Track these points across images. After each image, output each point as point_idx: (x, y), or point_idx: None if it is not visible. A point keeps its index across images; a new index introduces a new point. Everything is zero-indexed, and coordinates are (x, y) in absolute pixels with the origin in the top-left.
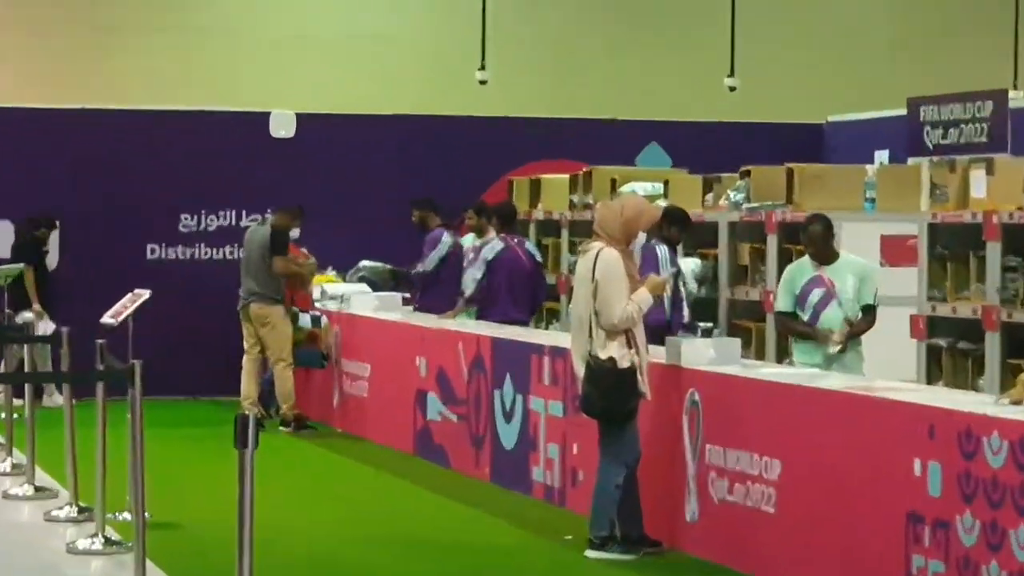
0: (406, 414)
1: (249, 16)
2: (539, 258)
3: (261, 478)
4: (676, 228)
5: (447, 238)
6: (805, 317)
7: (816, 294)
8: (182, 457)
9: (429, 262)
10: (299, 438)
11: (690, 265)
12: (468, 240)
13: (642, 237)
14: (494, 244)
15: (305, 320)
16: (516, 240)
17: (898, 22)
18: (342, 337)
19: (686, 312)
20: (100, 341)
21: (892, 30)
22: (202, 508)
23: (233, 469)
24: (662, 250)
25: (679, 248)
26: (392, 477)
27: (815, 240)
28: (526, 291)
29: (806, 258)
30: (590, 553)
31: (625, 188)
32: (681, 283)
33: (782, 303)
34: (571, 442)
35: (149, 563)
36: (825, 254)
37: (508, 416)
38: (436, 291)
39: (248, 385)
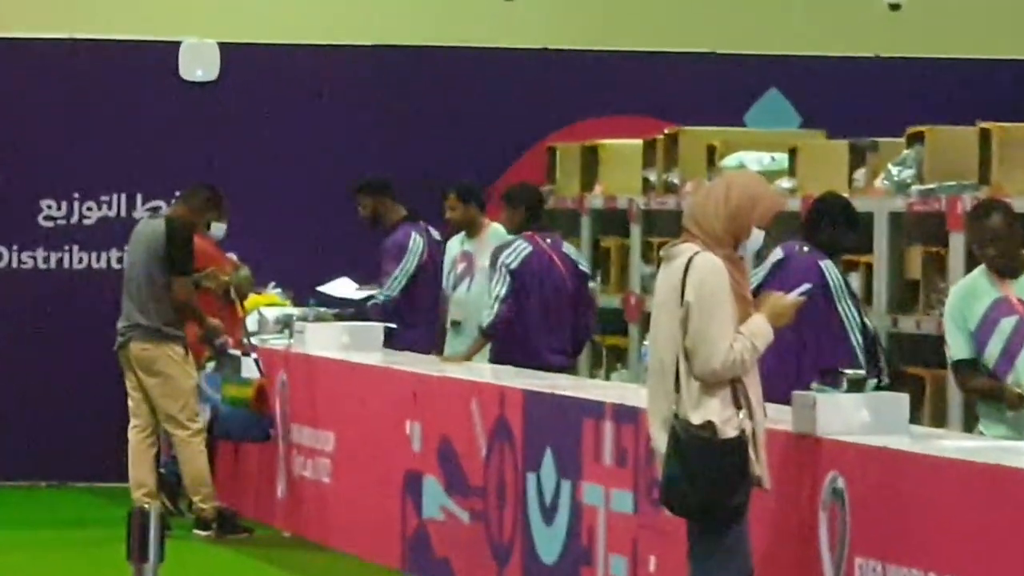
0: (390, 509)
1: None
2: (584, 267)
3: None
4: (842, 229)
5: (416, 239)
6: (991, 363)
7: (1006, 325)
8: (45, 575)
9: (393, 284)
10: (225, 546)
11: None
12: (456, 243)
13: (757, 237)
14: (518, 246)
15: (249, 367)
16: (549, 241)
17: None
18: (291, 391)
19: (882, 362)
20: None
21: None
22: None
23: None
24: (829, 267)
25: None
26: None
27: (996, 238)
28: (564, 319)
29: (980, 271)
30: None
31: (731, 160)
32: (866, 317)
33: (956, 347)
34: (645, 553)
35: None
36: (1011, 261)
37: (549, 513)
38: (419, 317)
39: (139, 467)
